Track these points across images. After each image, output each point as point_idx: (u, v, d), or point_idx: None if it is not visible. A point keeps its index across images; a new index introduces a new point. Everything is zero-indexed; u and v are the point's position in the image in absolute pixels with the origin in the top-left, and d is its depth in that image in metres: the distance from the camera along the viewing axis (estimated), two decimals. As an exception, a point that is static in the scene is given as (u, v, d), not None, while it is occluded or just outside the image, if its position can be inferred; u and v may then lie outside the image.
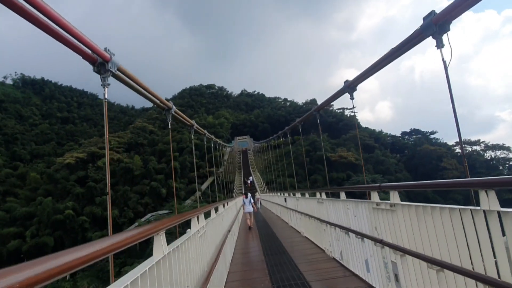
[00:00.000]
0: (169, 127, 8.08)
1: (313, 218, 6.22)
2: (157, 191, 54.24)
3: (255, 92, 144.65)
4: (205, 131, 13.81)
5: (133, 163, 60.41)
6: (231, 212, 9.03)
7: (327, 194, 5.70)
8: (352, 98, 6.76)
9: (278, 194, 14.28)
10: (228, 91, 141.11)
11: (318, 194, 5.71)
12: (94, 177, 57.06)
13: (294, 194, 8.74)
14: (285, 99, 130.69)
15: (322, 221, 5.41)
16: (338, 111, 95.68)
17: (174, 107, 7.55)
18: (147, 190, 54.69)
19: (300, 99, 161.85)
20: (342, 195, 4.18)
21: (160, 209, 51.21)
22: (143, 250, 42.12)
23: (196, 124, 10.76)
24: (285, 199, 10.80)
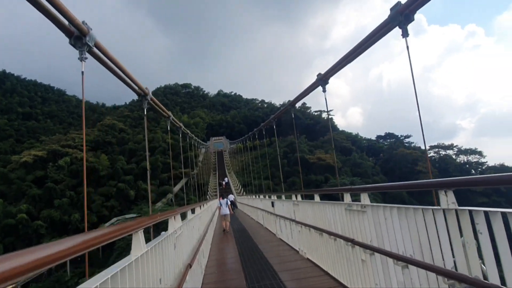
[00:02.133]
0: (145, 113, 7.63)
1: (333, 236, 3.86)
2: (125, 193, 50.20)
3: (232, 93, 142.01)
4: (181, 124, 14.07)
5: (99, 162, 55.81)
6: (202, 222, 6.55)
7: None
8: (324, 91, 7.08)
9: (261, 196, 11.82)
10: (204, 91, 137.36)
11: (346, 197, 3.34)
12: (54, 178, 52.00)
13: (289, 197, 6.40)
14: (262, 101, 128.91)
15: (357, 244, 3.07)
16: (316, 113, 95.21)
17: (150, 94, 7.26)
18: (113, 192, 50.46)
19: (277, 101, 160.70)
20: (451, 197, 1.85)
21: (128, 212, 47.17)
22: (106, 258, 38.26)
23: (172, 116, 10.78)
24: (272, 203, 8.43)
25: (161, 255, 2.18)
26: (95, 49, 4.52)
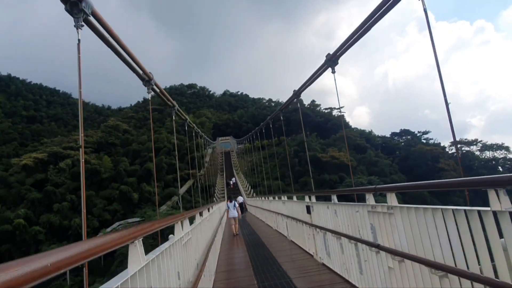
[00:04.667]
0: (149, 98, 7.07)
1: None
2: (128, 196, 47.63)
3: (239, 93, 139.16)
4: (187, 117, 12.80)
5: (102, 164, 53.44)
6: (202, 240, 3.65)
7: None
8: (333, 72, 6.39)
9: (283, 198, 8.49)
10: (210, 91, 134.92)
11: None
12: (54, 181, 49.82)
13: (339, 197, 3.34)
14: (270, 100, 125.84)
15: None
16: (326, 111, 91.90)
17: (154, 79, 6.31)
18: (116, 195, 47.95)
19: (284, 100, 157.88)
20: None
21: (131, 216, 44.58)
22: (107, 266, 35.68)
23: (177, 106, 9.49)
24: (308, 207, 5.36)
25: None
26: (91, 18, 4.22)
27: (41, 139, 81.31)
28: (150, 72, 6.00)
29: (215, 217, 8.76)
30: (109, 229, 41.27)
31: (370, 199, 3.22)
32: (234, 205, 11.97)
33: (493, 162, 53.81)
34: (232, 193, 34.69)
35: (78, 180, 50.65)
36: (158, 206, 48.84)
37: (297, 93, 8.58)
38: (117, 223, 42.77)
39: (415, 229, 2.35)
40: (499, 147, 54.08)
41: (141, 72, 5.92)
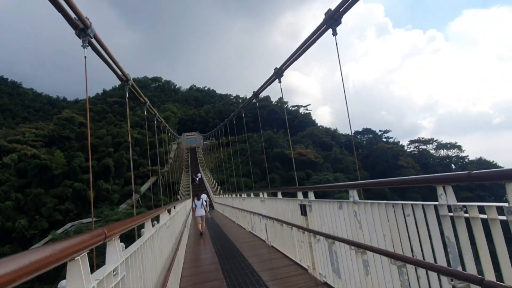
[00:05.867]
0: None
1: None
2: (83, 194, 43.81)
3: (206, 88, 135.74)
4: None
5: (53, 159, 48.72)
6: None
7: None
8: (335, 34, 5.09)
9: (262, 195, 7.07)
10: (176, 85, 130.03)
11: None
12: (-4, 178, 44.53)
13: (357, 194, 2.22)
14: (237, 96, 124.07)
15: None
16: (293, 108, 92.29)
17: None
18: (69, 193, 43.87)
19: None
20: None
21: (86, 216, 40.96)
22: (58, 270, 32.35)
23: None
24: (303, 207, 4.06)
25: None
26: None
27: (-17, 131, 72.97)
28: (87, 18, 4.40)
29: (179, 219, 7.28)
30: (60, 231, 37.56)
31: (446, 195, 1.98)
32: (202, 204, 11.51)
33: (447, 160, 56.85)
34: (198, 189, 32.87)
35: (25, 177, 45.78)
36: (117, 204, 45.54)
37: (278, 71, 7.30)
38: (70, 224, 39.11)
39: None
40: (453, 146, 57.26)
41: (73, 15, 4.15)
